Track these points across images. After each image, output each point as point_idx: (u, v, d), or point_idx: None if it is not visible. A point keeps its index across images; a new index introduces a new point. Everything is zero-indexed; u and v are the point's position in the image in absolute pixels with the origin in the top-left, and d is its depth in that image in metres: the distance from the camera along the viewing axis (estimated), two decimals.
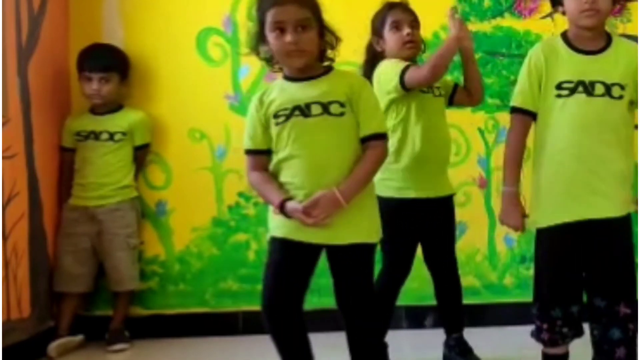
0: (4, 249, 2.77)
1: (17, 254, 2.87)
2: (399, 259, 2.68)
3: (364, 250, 2.12)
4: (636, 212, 2.22)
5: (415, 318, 3.30)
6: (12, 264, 2.84)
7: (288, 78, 2.15)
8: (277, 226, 2.12)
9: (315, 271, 3.31)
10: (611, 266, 2.15)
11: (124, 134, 3.18)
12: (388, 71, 2.58)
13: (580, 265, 2.18)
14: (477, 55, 3.28)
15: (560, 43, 2.22)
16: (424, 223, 2.68)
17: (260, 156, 2.14)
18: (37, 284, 3.01)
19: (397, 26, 2.65)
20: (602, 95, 2.14)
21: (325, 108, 2.06)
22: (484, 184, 3.37)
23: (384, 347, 2.20)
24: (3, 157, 2.78)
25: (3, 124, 2.78)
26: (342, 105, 2.08)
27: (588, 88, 2.14)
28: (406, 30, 2.64)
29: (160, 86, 3.31)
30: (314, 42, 2.08)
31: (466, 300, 3.09)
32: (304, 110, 2.06)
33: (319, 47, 2.11)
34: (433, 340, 2.88)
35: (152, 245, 3.35)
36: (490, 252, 3.38)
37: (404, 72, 2.52)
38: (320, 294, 3.33)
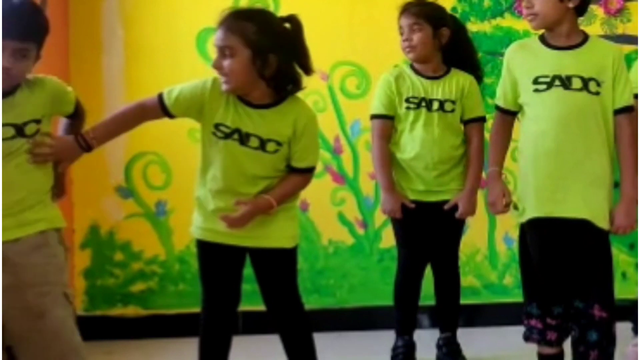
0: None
1: None
2: (409, 258, 2.78)
3: (282, 255, 2.15)
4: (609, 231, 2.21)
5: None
6: None
7: (241, 98, 2.12)
8: (198, 227, 2.16)
9: (315, 272, 3.34)
10: (584, 269, 2.16)
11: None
12: (374, 98, 2.78)
13: (563, 260, 2.18)
14: (477, 55, 3.29)
15: (536, 41, 2.27)
16: (429, 223, 2.74)
17: (161, 113, 2.15)
18: None
19: (401, 32, 2.71)
20: (580, 90, 2.16)
21: (263, 144, 2.08)
22: (484, 184, 3.36)
23: (312, 347, 2.21)
24: None
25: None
26: (278, 144, 2.09)
27: (565, 82, 2.16)
28: (403, 36, 2.70)
29: (160, 86, 3.30)
30: (238, 70, 2.02)
31: (466, 300, 3.10)
32: (242, 137, 2.07)
33: (252, 74, 2.04)
34: (430, 340, 2.89)
35: (152, 245, 3.35)
36: (490, 252, 3.38)
37: (371, 117, 2.77)
38: (320, 294, 3.35)
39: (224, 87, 2.07)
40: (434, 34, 2.70)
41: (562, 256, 2.16)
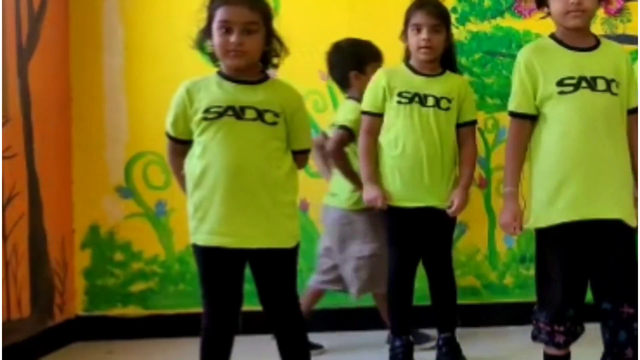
0: (4, 249, 2.77)
1: (17, 254, 2.87)
2: (401, 258, 2.74)
3: (281, 255, 2.14)
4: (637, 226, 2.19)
5: (414, 318, 3.30)
6: (12, 264, 2.84)
7: (224, 76, 2.14)
8: (197, 232, 2.12)
9: (315, 271, 3.34)
10: (615, 269, 2.15)
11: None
12: (364, 94, 2.76)
13: (588, 263, 2.17)
14: (477, 55, 3.30)
15: (551, 42, 2.22)
16: (421, 225, 2.72)
17: (181, 145, 2.16)
18: (37, 284, 3.01)
19: (417, 29, 2.66)
20: (605, 91, 2.14)
21: (260, 115, 2.09)
22: (484, 184, 3.37)
23: (307, 348, 2.22)
24: (3, 157, 2.78)
25: (3, 124, 2.78)
26: (276, 115, 2.11)
27: (591, 83, 2.13)
28: (423, 35, 2.64)
29: (160, 86, 3.31)
30: (257, 47, 2.09)
31: (466, 300, 3.11)
32: (237, 112, 2.08)
33: (261, 52, 2.13)
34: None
35: (152, 245, 3.34)
36: (490, 252, 3.38)
37: (362, 113, 2.76)
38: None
39: (236, 62, 2.08)
40: (446, 35, 2.69)
41: (588, 259, 2.16)
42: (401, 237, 2.74)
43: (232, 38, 2.04)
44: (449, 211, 2.69)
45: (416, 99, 2.66)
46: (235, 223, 2.07)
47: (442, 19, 2.67)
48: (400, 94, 2.67)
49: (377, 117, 2.72)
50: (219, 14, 2.06)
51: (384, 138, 2.71)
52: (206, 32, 2.12)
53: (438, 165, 2.67)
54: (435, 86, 2.69)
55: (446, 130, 2.69)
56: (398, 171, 2.67)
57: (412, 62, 2.74)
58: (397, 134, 2.67)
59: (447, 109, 2.69)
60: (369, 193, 2.69)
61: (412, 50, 2.71)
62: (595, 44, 2.21)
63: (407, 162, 2.65)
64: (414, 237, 2.73)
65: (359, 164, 2.77)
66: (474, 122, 2.78)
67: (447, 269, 2.82)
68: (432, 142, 2.66)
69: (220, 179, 2.06)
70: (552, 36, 2.23)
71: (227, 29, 2.05)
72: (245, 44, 2.05)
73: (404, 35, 2.72)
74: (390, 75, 2.71)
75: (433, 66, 2.72)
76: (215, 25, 2.07)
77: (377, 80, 2.72)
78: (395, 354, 2.75)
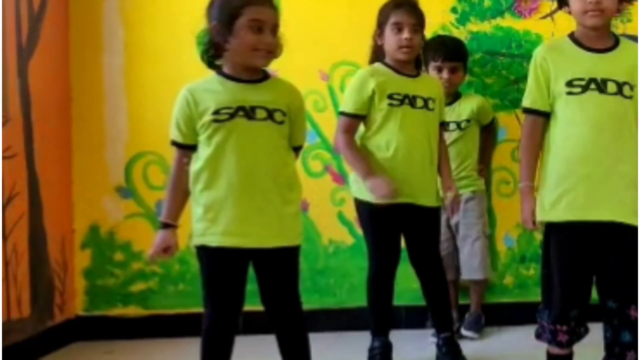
0: (4, 249, 2.77)
1: (17, 254, 2.87)
2: (385, 256, 2.73)
3: (288, 254, 2.16)
4: None
5: (415, 318, 3.30)
6: (12, 264, 2.84)
7: (226, 76, 2.14)
8: (208, 233, 2.11)
9: (315, 271, 3.34)
10: (623, 269, 2.15)
11: None
12: (346, 93, 2.73)
13: (591, 264, 2.17)
14: (477, 55, 3.30)
15: (568, 42, 2.22)
16: (407, 225, 2.70)
17: (190, 152, 2.15)
18: (37, 284, 3.01)
19: (398, 28, 2.64)
20: (615, 94, 2.13)
21: (270, 114, 2.11)
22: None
23: (308, 347, 2.23)
24: (3, 157, 2.78)
25: (3, 124, 2.78)
26: (284, 114, 2.14)
27: (600, 86, 2.13)
28: (405, 34, 2.63)
29: (160, 86, 3.31)
30: (279, 47, 2.13)
31: (466, 300, 3.11)
32: (248, 112, 2.09)
33: None
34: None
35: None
36: (490, 252, 3.37)
37: (341, 113, 2.72)
38: (320, 294, 3.36)
39: (263, 62, 2.10)
40: (422, 36, 2.71)
41: (592, 260, 2.16)
42: (385, 239, 2.71)
43: (266, 38, 2.07)
44: (449, 199, 2.71)
45: (406, 100, 2.64)
46: (250, 223, 2.08)
47: (420, 19, 2.67)
48: (390, 96, 2.63)
49: (359, 119, 2.68)
50: (249, 13, 2.05)
51: (371, 141, 2.66)
52: (227, 28, 2.07)
53: (428, 166, 2.67)
54: (419, 87, 2.67)
55: (434, 132, 2.70)
56: (389, 174, 2.61)
57: (389, 62, 2.70)
58: (388, 136, 2.63)
59: (433, 109, 2.69)
60: (381, 187, 2.56)
61: (391, 50, 2.67)
62: (613, 44, 2.20)
63: (399, 165, 2.62)
64: (397, 238, 2.72)
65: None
66: (443, 123, 2.82)
67: (437, 268, 2.77)
68: (424, 144, 2.65)
69: (235, 180, 2.07)
70: (571, 35, 2.23)
71: (259, 27, 2.06)
72: (273, 44, 2.09)
73: (379, 35, 2.70)
74: (377, 76, 2.66)
75: (411, 67, 2.72)
76: (243, 23, 2.05)
77: (364, 81, 2.65)
78: (373, 355, 2.73)
